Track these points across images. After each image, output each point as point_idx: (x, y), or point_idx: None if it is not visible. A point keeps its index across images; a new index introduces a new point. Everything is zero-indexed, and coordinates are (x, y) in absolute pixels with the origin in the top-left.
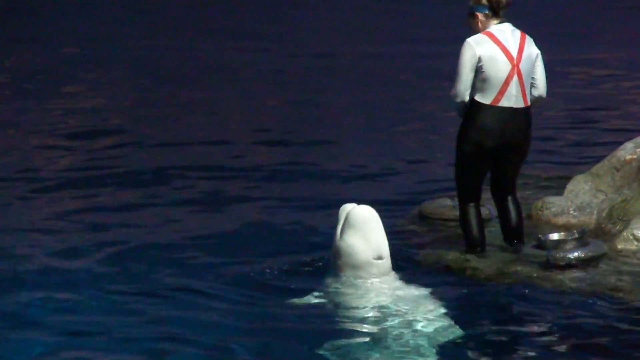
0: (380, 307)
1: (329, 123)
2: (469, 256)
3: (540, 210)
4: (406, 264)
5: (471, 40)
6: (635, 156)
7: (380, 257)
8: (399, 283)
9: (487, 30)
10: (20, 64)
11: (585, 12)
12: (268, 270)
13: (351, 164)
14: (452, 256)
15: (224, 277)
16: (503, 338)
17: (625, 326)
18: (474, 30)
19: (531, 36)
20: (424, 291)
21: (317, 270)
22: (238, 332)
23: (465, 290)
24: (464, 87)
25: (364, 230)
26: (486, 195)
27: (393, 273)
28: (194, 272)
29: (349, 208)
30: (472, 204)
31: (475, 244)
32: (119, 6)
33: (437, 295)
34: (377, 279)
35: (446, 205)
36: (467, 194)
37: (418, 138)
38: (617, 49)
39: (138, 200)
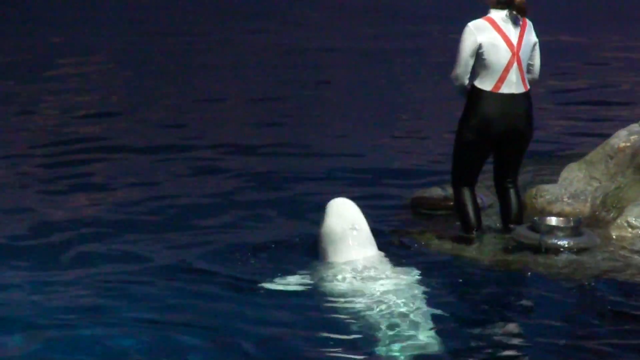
0: (360, 291)
1: (319, 115)
2: (462, 243)
3: (534, 198)
4: (399, 250)
5: (472, 26)
6: (628, 144)
7: (354, 228)
8: (383, 265)
9: (489, 15)
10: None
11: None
12: (252, 262)
13: (342, 157)
14: (444, 242)
15: (213, 273)
16: (493, 324)
17: (621, 310)
18: (487, 5)
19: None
20: (410, 274)
21: (303, 263)
22: (223, 318)
23: (458, 277)
24: (463, 72)
25: (338, 210)
26: (479, 184)
27: (379, 254)
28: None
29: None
30: (467, 188)
31: (471, 226)
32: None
33: (428, 280)
34: (361, 263)
35: (439, 195)
36: (463, 179)
37: (407, 129)
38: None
39: (117, 200)
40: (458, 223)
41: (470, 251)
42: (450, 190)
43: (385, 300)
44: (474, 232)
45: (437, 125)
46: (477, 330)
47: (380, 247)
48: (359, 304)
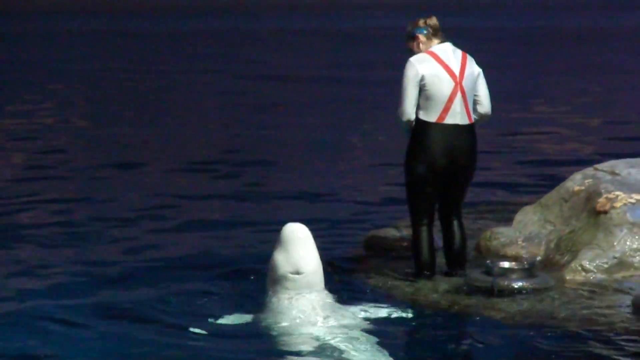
0: (297, 326)
1: (277, 144)
2: (415, 283)
3: (489, 240)
4: (349, 289)
5: (413, 60)
6: (583, 187)
7: (297, 272)
8: (326, 306)
9: (429, 50)
10: None
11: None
12: (205, 291)
13: (298, 186)
14: (397, 283)
15: (156, 297)
16: None
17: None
18: (415, 53)
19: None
20: (355, 316)
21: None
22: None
23: (406, 318)
24: (409, 105)
25: (286, 245)
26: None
27: (325, 294)
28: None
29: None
30: (424, 227)
31: (424, 267)
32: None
33: (375, 320)
34: (306, 295)
35: (393, 235)
36: (420, 215)
37: (364, 160)
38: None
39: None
40: (412, 263)
41: (422, 292)
42: (405, 231)
43: (324, 341)
44: (427, 273)
45: (392, 156)
46: None
47: (331, 285)
48: (299, 344)
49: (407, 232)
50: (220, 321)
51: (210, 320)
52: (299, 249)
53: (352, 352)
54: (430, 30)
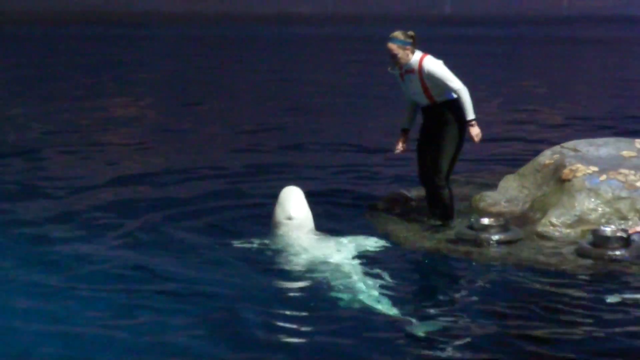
0: (287, 255)
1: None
2: (415, 229)
3: (478, 202)
4: (368, 232)
5: (432, 57)
6: (552, 161)
7: (289, 218)
8: (312, 238)
9: (421, 53)
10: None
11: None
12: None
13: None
14: (401, 232)
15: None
16: (429, 300)
17: (542, 290)
18: (403, 59)
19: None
20: (338, 245)
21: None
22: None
23: (409, 260)
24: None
25: (282, 199)
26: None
27: (313, 233)
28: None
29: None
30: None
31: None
32: None
33: (365, 253)
34: (296, 234)
35: (405, 195)
36: (449, 176)
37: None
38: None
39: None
40: (416, 215)
41: (424, 239)
42: (414, 192)
43: (303, 267)
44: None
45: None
46: (415, 303)
47: (349, 231)
48: (283, 268)
49: (416, 193)
50: (240, 244)
51: (234, 242)
52: (291, 201)
53: (330, 276)
54: (414, 44)
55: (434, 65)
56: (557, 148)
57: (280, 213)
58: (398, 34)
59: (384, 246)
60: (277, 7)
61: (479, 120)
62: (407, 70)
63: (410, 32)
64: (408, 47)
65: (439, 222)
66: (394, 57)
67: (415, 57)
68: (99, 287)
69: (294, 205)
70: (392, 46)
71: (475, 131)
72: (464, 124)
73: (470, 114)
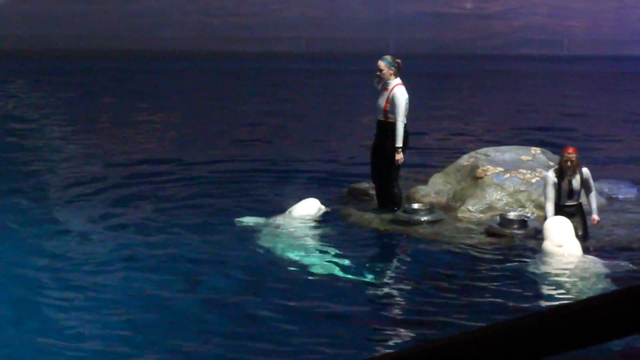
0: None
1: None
2: (368, 215)
3: (414, 194)
4: (334, 219)
5: (403, 88)
6: (469, 163)
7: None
8: (300, 225)
9: (400, 81)
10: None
11: None
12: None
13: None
14: (362, 214)
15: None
16: (372, 265)
17: (459, 259)
18: (385, 76)
19: None
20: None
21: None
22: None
23: (361, 235)
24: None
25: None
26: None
27: (312, 222)
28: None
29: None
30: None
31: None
32: None
33: (338, 238)
34: (288, 221)
35: (365, 187)
36: (397, 176)
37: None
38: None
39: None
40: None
41: (372, 221)
42: (371, 184)
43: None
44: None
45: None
46: (361, 268)
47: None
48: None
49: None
50: (247, 220)
51: (242, 219)
52: (298, 207)
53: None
54: (397, 68)
55: (400, 95)
56: (472, 153)
57: (291, 210)
58: (388, 56)
59: (344, 225)
60: (258, 48)
61: (412, 141)
62: (384, 87)
63: (398, 60)
64: (392, 68)
65: (387, 210)
66: (380, 71)
67: (395, 81)
68: (87, 279)
69: (297, 206)
70: (382, 63)
71: (398, 156)
72: (396, 147)
73: (398, 143)
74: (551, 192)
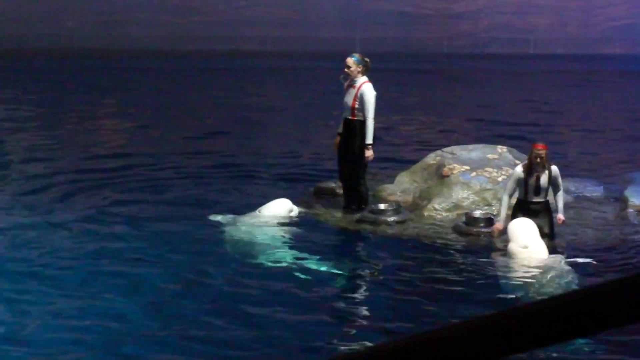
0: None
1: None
2: (336, 214)
3: (380, 192)
4: (302, 218)
5: (371, 85)
6: (435, 162)
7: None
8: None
9: (367, 79)
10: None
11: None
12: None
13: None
14: (328, 213)
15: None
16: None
17: (426, 257)
18: (352, 73)
19: None
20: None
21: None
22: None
23: (328, 233)
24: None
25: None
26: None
27: (288, 219)
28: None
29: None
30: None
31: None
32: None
33: (307, 235)
34: (261, 218)
35: (331, 186)
36: (364, 175)
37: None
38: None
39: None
40: (338, 201)
41: (340, 220)
42: (338, 183)
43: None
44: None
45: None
46: (328, 266)
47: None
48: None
49: (341, 184)
50: (214, 217)
51: (210, 216)
52: (269, 206)
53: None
54: (365, 66)
55: (368, 92)
56: (439, 152)
57: (261, 209)
58: (357, 54)
59: (312, 224)
60: (231, 45)
61: (378, 140)
62: (351, 85)
63: (367, 59)
64: (360, 66)
65: (354, 208)
66: (347, 68)
67: (362, 78)
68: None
69: (268, 206)
70: (350, 60)
71: (368, 153)
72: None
73: (369, 140)
74: (512, 186)
